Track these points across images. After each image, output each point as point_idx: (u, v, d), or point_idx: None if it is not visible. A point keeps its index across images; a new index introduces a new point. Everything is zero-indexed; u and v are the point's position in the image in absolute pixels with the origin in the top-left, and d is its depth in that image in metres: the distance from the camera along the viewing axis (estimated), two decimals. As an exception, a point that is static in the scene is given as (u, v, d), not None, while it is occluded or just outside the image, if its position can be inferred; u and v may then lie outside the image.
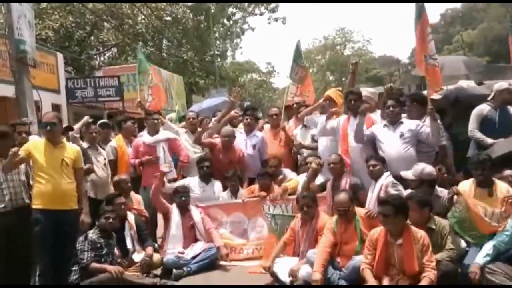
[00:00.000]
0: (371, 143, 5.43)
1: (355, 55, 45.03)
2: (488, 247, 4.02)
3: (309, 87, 7.64)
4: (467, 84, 9.03)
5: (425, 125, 5.19)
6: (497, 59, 31.66)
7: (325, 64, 46.23)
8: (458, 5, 48.15)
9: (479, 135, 5.48)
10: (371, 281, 3.94)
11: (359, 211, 4.56)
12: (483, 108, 5.62)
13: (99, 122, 6.63)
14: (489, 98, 5.71)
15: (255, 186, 5.94)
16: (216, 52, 28.54)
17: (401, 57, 48.42)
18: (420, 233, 3.94)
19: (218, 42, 30.38)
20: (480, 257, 3.99)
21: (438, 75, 5.28)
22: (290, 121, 6.98)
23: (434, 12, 53.07)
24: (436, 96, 6.18)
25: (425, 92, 6.66)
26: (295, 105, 7.01)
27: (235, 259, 5.60)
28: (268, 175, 5.88)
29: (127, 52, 20.93)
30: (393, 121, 5.34)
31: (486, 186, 4.47)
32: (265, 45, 78.78)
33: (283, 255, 4.98)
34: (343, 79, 45.19)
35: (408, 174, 4.80)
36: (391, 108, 5.36)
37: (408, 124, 5.29)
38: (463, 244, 4.37)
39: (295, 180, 5.81)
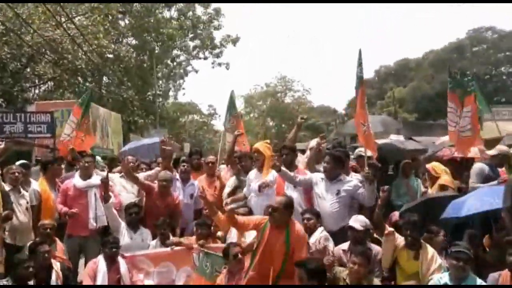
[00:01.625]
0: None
1: (295, 103, 46.43)
2: None
3: (243, 136, 7.70)
4: (396, 138, 9.55)
5: (361, 187, 5.32)
6: (425, 116, 33.92)
7: (266, 110, 47.21)
8: (391, 63, 51.40)
9: (481, 186, 5.78)
10: None
11: (297, 226, 4.56)
12: (484, 168, 6.04)
13: (18, 162, 6.25)
14: (491, 153, 6.21)
15: (193, 238, 5.78)
16: (158, 92, 28.38)
17: (337, 107, 50.38)
18: None
19: (160, 82, 30.26)
20: None
21: (371, 139, 5.54)
22: (224, 169, 6.97)
23: (368, 69, 56.27)
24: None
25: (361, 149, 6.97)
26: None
27: (161, 312, 5.35)
28: (206, 226, 5.76)
29: (64, 86, 20.30)
30: (329, 177, 5.43)
31: (413, 249, 4.64)
32: (208, 88, 79.43)
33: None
34: (283, 125, 46.28)
35: (356, 224, 4.84)
36: (325, 164, 5.47)
37: (346, 184, 5.39)
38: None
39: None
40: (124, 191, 6.23)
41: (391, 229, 4.81)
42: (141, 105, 24.77)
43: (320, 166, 5.85)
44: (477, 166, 6.18)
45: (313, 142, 6.28)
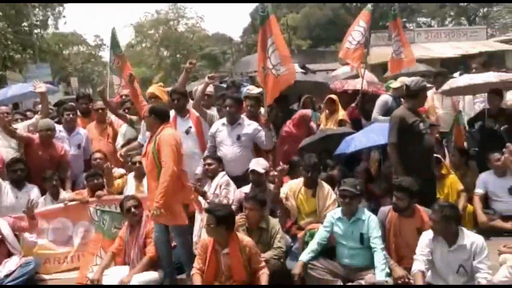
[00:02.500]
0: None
1: (189, 31, 44.82)
2: (312, 244, 4.30)
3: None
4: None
5: (261, 131, 5.32)
6: (317, 43, 34.79)
7: (159, 39, 45.05)
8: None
9: (381, 118, 6.12)
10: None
11: (166, 131, 4.25)
12: (388, 99, 6.42)
13: None
14: (394, 86, 6.51)
15: (84, 191, 5.46)
16: (35, 22, 25.53)
17: (233, 35, 49.55)
18: (245, 240, 4.02)
19: (37, 9, 27.13)
20: (305, 254, 4.25)
21: (278, 85, 5.18)
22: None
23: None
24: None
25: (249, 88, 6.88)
26: (123, 97, 6.59)
27: (60, 270, 5.14)
28: (98, 176, 5.44)
29: None
30: (231, 121, 5.35)
31: (311, 187, 4.83)
32: (93, 16, 73.11)
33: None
34: (178, 55, 44.74)
35: (258, 167, 4.90)
36: (228, 108, 5.36)
37: (246, 127, 5.35)
38: (288, 240, 4.68)
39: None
40: (2, 146, 5.60)
41: (284, 195, 4.85)
42: (16, 38, 22.09)
43: (211, 110, 5.74)
44: (382, 98, 6.55)
45: (200, 87, 6.06)
